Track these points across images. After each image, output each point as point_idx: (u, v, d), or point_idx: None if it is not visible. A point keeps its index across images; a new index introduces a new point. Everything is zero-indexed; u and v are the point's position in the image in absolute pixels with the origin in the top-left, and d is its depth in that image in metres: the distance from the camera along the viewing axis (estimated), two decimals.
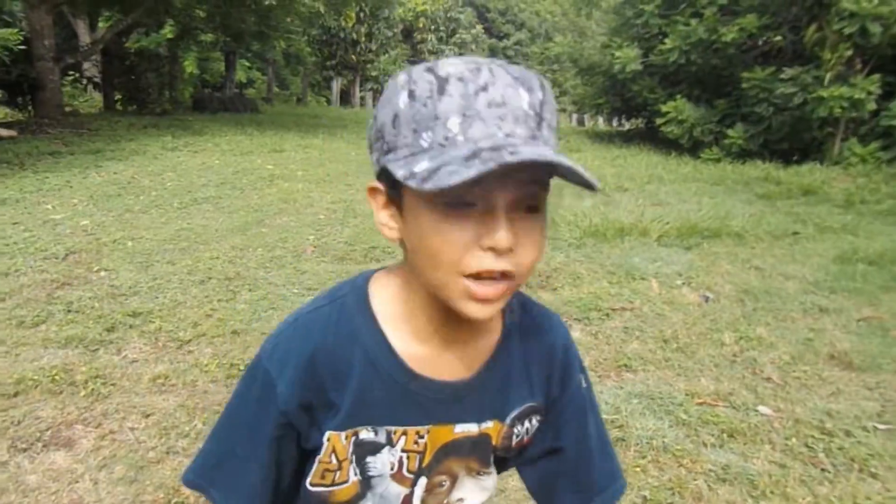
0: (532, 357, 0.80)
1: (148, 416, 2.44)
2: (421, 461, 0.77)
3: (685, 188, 7.04)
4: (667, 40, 9.77)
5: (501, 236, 0.62)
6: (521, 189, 0.62)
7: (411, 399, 0.74)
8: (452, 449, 0.78)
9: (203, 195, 5.90)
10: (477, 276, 0.63)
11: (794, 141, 9.28)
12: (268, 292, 3.71)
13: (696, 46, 9.62)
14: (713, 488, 2.23)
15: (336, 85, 18.61)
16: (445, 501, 0.81)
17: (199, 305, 3.45)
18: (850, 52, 8.31)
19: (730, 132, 9.57)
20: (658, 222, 5.36)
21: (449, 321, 0.71)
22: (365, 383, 0.73)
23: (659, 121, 10.26)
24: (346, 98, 19.77)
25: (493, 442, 0.79)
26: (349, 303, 0.76)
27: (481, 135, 0.60)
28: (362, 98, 19.91)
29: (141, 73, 12.26)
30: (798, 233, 5.29)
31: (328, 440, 0.74)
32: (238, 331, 3.17)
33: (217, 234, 4.76)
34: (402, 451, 0.75)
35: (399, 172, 0.61)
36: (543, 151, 0.59)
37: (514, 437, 0.81)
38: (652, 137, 11.24)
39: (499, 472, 0.87)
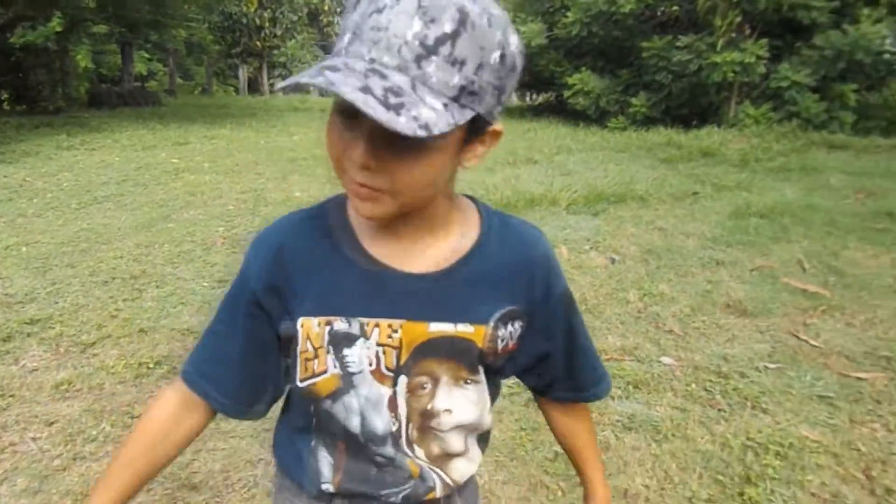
0: (511, 264, 0.82)
1: (51, 424, 2.35)
2: (398, 358, 0.78)
3: (592, 157, 7.25)
4: (569, 13, 9.97)
5: (357, 154, 0.66)
6: None
7: (380, 290, 0.77)
8: (430, 349, 0.79)
9: (103, 193, 5.65)
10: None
11: (694, 106, 9.69)
12: (176, 287, 3.61)
13: (597, 18, 9.86)
14: (619, 437, 2.35)
15: (242, 73, 18.06)
16: (430, 407, 0.81)
17: (103, 307, 3.33)
18: (739, 19, 8.72)
19: (633, 101, 9.89)
20: (567, 191, 5.50)
21: (402, 219, 0.75)
22: (335, 274, 0.78)
23: (566, 93, 10.51)
24: (254, 86, 19.24)
25: (479, 345, 0.80)
26: (329, 206, 0.82)
27: (356, 54, 0.63)
28: (271, 85, 19.39)
29: (28, 70, 11.55)
30: (697, 193, 5.55)
31: (301, 326, 0.78)
32: (146, 329, 3.08)
33: (120, 232, 4.58)
34: (378, 344, 0.77)
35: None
36: (348, 81, 0.60)
37: (500, 340, 0.82)
38: (562, 110, 11.48)
39: (496, 384, 0.89)
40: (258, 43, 16.90)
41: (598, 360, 0.95)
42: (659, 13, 10.07)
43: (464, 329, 0.79)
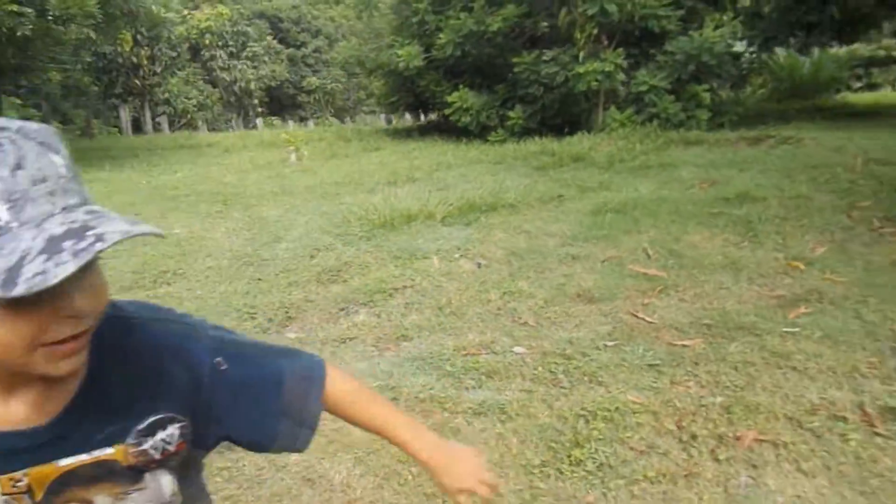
0: (138, 377, 0.79)
1: None
2: (32, 497, 0.74)
3: (470, 170, 7.58)
4: (441, 35, 10.36)
5: (82, 304, 0.65)
6: None
7: None
8: (69, 479, 0.75)
9: None
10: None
11: (566, 115, 10.25)
12: None
13: (469, 38, 10.28)
14: (470, 422, 2.57)
15: (124, 113, 17.55)
16: None
17: None
18: (595, 31, 9.34)
19: (510, 114, 10.36)
20: (442, 205, 5.76)
21: (8, 378, 0.71)
22: None
23: (447, 111, 10.87)
24: (138, 125, 18.71)
25: (125, 463, 0.78)
26: None
27: (39, 216, 0.61)
28: (157, 123, 18.94)
29: None
30: (562, 195, 5.94)
31: None
32: None
33: None
34: (4, 495, 0.73)
35: None
36: (125, 227, 0.62)
37: (152, 450, 0.80)
38: (447, 128, 11.83)
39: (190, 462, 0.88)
40: (137, 81, 16.51)
41: (280, 355, 0.95)
42: (526, 30, 10.59)
43: (101, 453, 0.76)
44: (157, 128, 18.20)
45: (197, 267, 4.74)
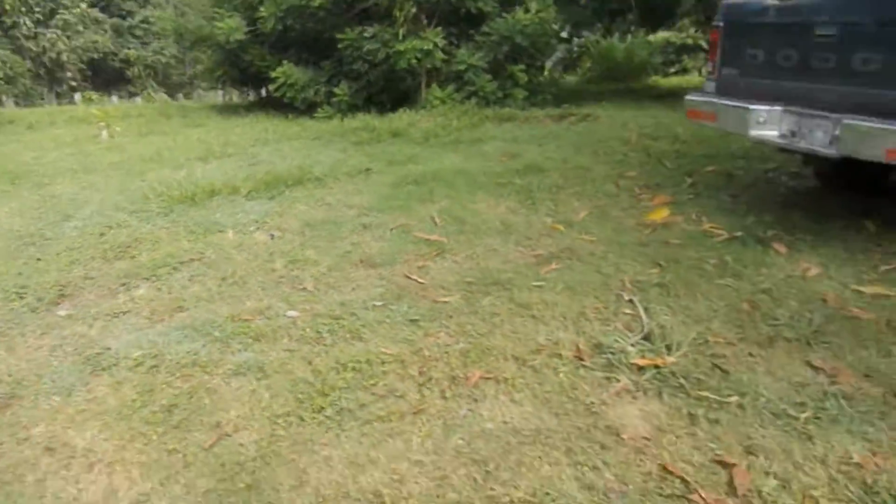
0: None
1: None
2: None
3: (286, 146, 7.55)
4: (262, 8, 10.13)
5: None
6: None
7: None
8: None
9: None
10: None
11: (391, 92, 10.43)
12: None
13: (291, 12, 10.14)
14: (227, 382, 2.67)
15: None
16: None
17: None
18: (414, 10, 9.56)
19: (336, 90, 10.36)
20: (249, 180, 5.74)
21: None
22: None
23: (272, 86, 10.68)
24: None
25: None
26: None
27: None
28: None
29: None
30: (370, 169, 6.11)
31: None
32: None
33: None
34: None
35: None
36: None
37: None
38: (276, 104, 11.59)
39: None
40: None
41: None
42: (354, 5, 10.59)
43: None
44: None
45: None
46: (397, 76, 10.07)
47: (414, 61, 9.50)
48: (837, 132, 3.48)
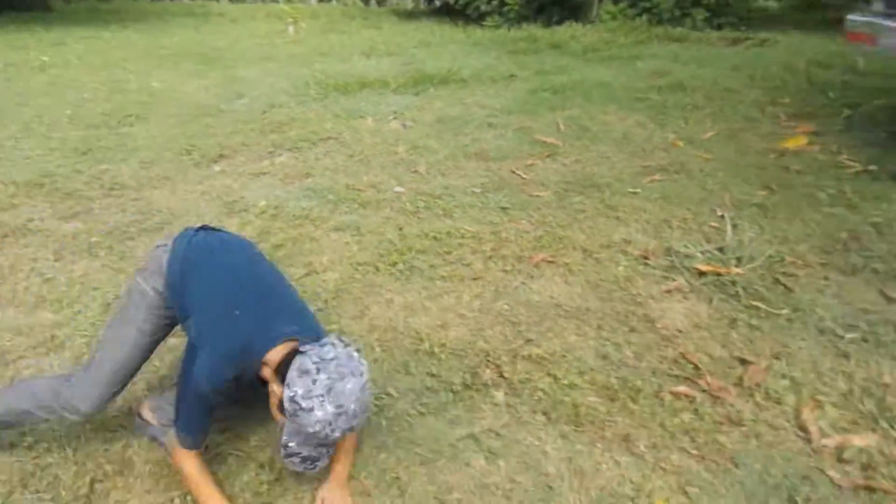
0: None
1: None
2: None
3: (446, 50, 7.82)
4: None
5: None
6: None
7: None
8: None
9: None
10: None
11: (563, 4, 10.24)
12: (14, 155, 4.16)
13: None
14: (328, 234, 3.10)
15: None
16: None
17: None
18: None
19: (508, 0, 10.36)
20: (400, 76, 6.11)
21: None
22: None
23: None
24: None
25: None
26: None
27: None
28: None
29: None
30: (515, 75, 6.23)
31: None
32: None
33: None
34: None
35: None
36: None
37: None
38: (453, 12, 11.80)
39: None
40: None
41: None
42: None
43: None
44: None
45: (160, 113, 5.22)
46: None
47: None
48: None
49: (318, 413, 1.37)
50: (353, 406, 1.39)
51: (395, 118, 4.96)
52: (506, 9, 10.38)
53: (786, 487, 1.69)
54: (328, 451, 1.55)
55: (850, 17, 4.20)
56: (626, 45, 7.91)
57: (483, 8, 10.61)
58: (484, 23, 10.43)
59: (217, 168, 4.05)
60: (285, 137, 4.55)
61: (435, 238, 3.01)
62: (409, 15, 13.08)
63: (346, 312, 2.49)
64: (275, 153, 4.28)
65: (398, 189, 3.62)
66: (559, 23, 9.85)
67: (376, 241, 3.02)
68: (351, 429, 1.43)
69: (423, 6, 14.58)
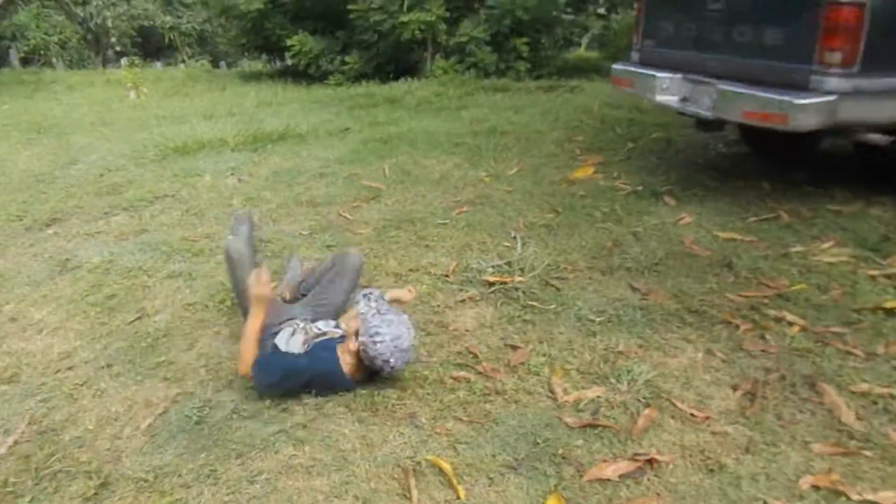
0: None
1: None
2: None
3: (287, 108, 8.20)
4: None
5: None
6: None
7: None
8: None
9: None
10: None
11: (399, 62, 10.98)
12: None
13: None
14: (161, 282, 3.33)
15: None
16: None
17: None
18: None
19: (348, 59, 10.96)
20: (239, 135, 6.39)
21: None
22: None
23: (288, 54, 11.34)
24: None
25: None
26: None
27: None
28: (2, 58, 18.10)
29: None
30: (349, 129, 6.71)
31: None
32: None
33: None
34: None
35: None
36: None
37: None
38: (295, 72, 12.25)
39: None
40: None
41: None
42: None
43: None
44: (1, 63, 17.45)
45: None
46: (404, 47, 10.60)
47: (417, 32, 10.01)
48: (714, 97, 3.93)
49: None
50: None
51: (231, 174, 5.24)
52: (346, 68, 10.98)
53: (532, 434, 2.15)
54: None
55: (614, 65, 5.04)
56: (455, 97, 8.65)
57: (325, 67, 11.16)
58: (326, 81, 10.96)
59: (50, 231, 4.15)
60: (122, 198, 4.71)
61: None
62: (254, 77, 13.37)
63: (176, 346, 2.75)
64: (110, 213, 4.43)
65: (231, 237, 3.90)
66: (396, 79, 10.55)
67: (207, 284, 3.29)
68: None
69: (268, 68, 14.95)
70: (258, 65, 17.39)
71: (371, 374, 2.34)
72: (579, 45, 15.49)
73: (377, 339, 2.23)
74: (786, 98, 3.43)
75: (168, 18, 16.32)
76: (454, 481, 1.93)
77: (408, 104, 8.37)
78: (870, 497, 1.84)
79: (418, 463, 2.03)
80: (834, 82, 3.37)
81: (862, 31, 3.30)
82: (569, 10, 12.41)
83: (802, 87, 3.46)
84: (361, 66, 10.93)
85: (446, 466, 1.99)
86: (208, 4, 12.53)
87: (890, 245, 3.53)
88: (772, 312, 2.86)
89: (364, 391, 2.37)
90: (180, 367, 2.58)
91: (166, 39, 17.53)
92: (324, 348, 2.37)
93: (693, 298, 3.03)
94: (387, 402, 2.33)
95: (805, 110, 3.39)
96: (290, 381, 2.31)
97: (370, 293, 2.55)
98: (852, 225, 3.82)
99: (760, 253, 3.47)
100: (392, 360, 2.25)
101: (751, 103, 3.64)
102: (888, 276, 3.18)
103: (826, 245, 3.55)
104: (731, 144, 5.71)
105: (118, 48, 19.85)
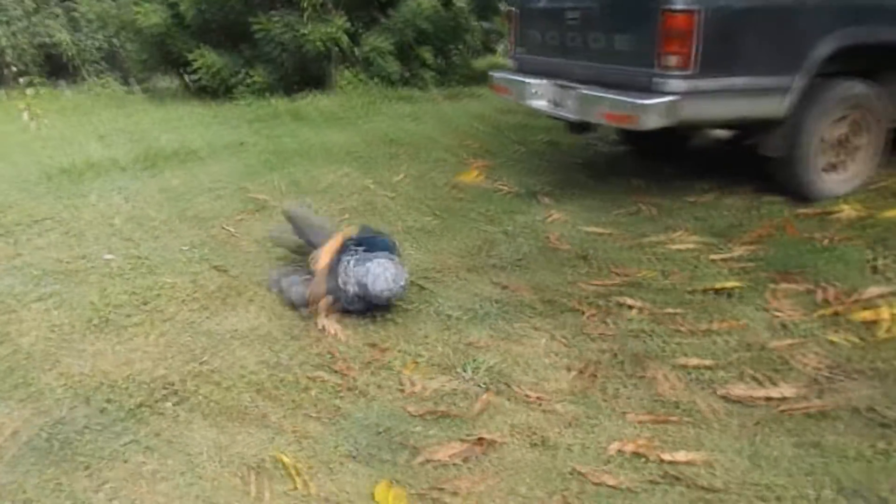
0: None
1: None
2: None
3: (186, 125, 8.13)
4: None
5: None
6: None
7: None
8: None
9: None
10: None
11: (305, 75, 11.00)
12: None
13: (208, 1, 10.67)
14: (28, 306, 3.30)
15: None
16: None
17: None
18: None
19: (253, 74, 10.91)
20: (132, 154, 6.32)
21: None
22: None
23: (190, 70, 11.20)
24: None
25: None
26: None
27: None
28: None
29: None
30: (244, 143, 6.73)
31: None
32: None
33: None
34: None
35: None
36: None
37: None
38: (202, 90, 12.07)
39: None
40: None
41: None
42: None
43: None
44: None
45: None
46: (309, 60, 10.62)
47: (321, 45, 10.07)
48: (577, 101, 4.18)
49: None
50: None
51: (119, 193, 5.19)
52: (252, 82, 10.92)
53: (375, 424, 2.28)
54: None
55: (491, 73, 5.27)
56: (359, 108, 8.77)
57: (230, 82, 11.06)
58: (232, 97, 10.87)
59: None
60: (4, 224, 4.60)
61: (134, 293, 3.35)
62: (160, 94, 13.12)
63: (37, 368, 2.75)
64: None
65: (108, 256, 3.90)
66: (305, 93, 10.57)
67: (76, 304, 3.29)
68: None
69: (175, 85, 14.69)
70: (167, 82, 17.11)
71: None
72: (495, 51, 15.82)
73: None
74: (632, 100, 3.70)
75: (66, 36, 15.75)
76: (293, 473, 2.04)
77: (311, 117, 8.44)
78: (667, 457, 2.05)
79: (262, 460, 2.12)
80: (674, 84, 3.66)
81: (696, 36, 3.60)
82: (482, 17, 12.72)
83: (648, 90, 3.73)
84: (267, 80, 10.88)
85: (287, 460, 2.09)
86: (104, 21, 12.18)
87: (735, 231, 3.85)
88: (616, 299, 3.09)
89: (218, 396, 2.45)
90: (38, 388, 2.59)
91: (64, 58, 16.96)
92: None
93: (548, 290, 3.23)
94: (242, 405, 2.42)
95: (650, 111, 3.66)
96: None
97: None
98: (705, 214, 4.14)
99: (617, 244, 3.73)
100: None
101: (606, 105, 3.90)
102: (727, 260, 3.48)
103: (678, 234, 3.84)
104: (613, 144, 6.03)
105: (15, 67, 19.06)
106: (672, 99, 3.66)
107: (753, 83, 3.81)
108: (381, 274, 2.86)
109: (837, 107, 4.08)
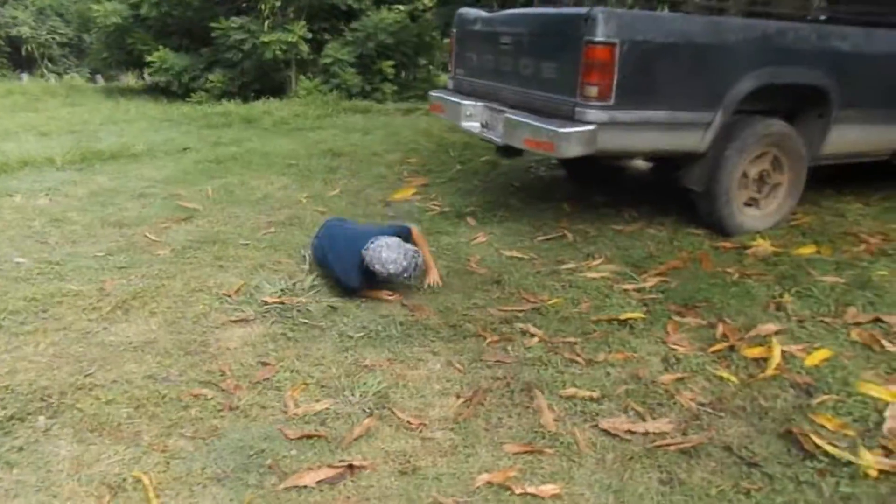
0: None
1: None
2: None
3: (133, 126, 8.00)
4: None
5: None
6: None
7: None
8: None
9: None
10: None
11: (264, 81, 10.94)
12: None
13: (169, 1, 10.57)
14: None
15: None
16: None
17: None
18: (279, 3, 10.09)
19: (211, 77, 10.81)
20: (70, 153, 6.19)
21: None
22: None
23: (149, 70, 11.06)
24: None
25: None
26: None
27: None
28: None
29: None
30: (188, 148, 6.65)
31: None
32: None
33: None
34: None
35: None
36: None
37: None
38: (160, 89, 11.93)
39: None
40: None
41: None
42: None
43: None
44: None
45: None
46: (268, 66, 10.58)
47: (279, 52, 10.03)
48: (503, 124, 4.22)
49: None
50: None
51: (46, 194, 5.08)
52: (210, 85, 10.82)
53: (249, 446, 2.25)
54: None
55: (430, 92, 5.29)
56: (313, 118, 8.73)
57: (188, 84, 10.95)
58: (189, 99, 10.76)
59: None
60: None
61: (34, 299, 3.27)
62: (118, 92, 12.92)
63: None
64: None
65: (19, 260, 3.80)
66: (264, 98, 10.50)
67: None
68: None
69: (138, 84, 14.50)
70: (131, 79, 16.87)
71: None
72: None
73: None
74: (552, 127, 3.74)
75: (26, 29, 15.36)
76: (150, 494, 2.00)
77: (263, 124, 8.38)
78: (532, 490, 2.06)
79: (124, 479, 2.08)
80: (593, 114, 3.71)
81: (614, 68, 3.66)
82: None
83: (569, 118, 3.78)
84: (226, 84, 10.80)
85: (147, 481, 2.05)
86: (60, 15, 11.97)
87: (651, 262, 3.91)
88: (520, 325, 3.11)
89: (95, 410, 2.40)
90: None
91: (23, 51, 16.54)
92: None
93: (455, 314, 3.24)
94: (115, 421, 2.37)
95: (568, 139, 3.71)
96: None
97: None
98: (627, 243, 4.20)
99: (533, 270, 3.75)
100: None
101: (528, 131, 3.94)
102: (638, 290, 3.52)
103: (596, 262, 3.88)
104: (552, 168, 6.09)
105: None
106: (590, 128, 3.71)
107: (674, 117, 3.88)
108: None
109: (757, 143, 4.18)
